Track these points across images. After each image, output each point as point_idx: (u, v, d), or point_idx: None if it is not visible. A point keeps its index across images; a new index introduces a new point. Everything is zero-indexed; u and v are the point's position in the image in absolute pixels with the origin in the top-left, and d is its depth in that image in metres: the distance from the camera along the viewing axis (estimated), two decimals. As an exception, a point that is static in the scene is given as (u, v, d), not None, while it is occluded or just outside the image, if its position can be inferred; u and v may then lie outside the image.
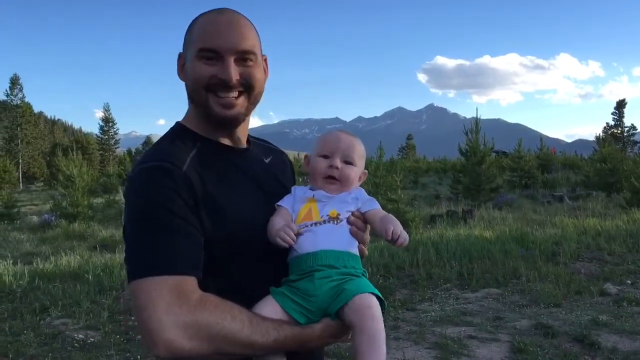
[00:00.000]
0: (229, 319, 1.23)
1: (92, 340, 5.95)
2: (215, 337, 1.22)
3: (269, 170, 1.58)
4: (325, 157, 1.47)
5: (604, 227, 11.09)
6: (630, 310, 6.44)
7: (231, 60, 1.37)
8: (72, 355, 5.46)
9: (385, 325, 4.75)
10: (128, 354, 5.53)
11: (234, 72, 1.37)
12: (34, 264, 9.60)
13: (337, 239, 1.39)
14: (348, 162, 1.47)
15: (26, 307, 7.09)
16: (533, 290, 7.39)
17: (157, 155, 1.36)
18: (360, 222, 1.44)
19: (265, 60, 1.50)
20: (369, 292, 1.30)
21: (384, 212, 1.46)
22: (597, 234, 10.45)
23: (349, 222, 1.43)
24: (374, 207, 1.46)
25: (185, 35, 1.44)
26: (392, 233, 1.35)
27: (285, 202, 1.46)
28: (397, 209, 12.57)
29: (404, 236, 1.37)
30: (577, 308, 6.60)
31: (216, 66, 1.37)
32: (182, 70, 1.43)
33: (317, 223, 1.41)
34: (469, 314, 6.52)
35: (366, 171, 1.56)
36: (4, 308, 7.12)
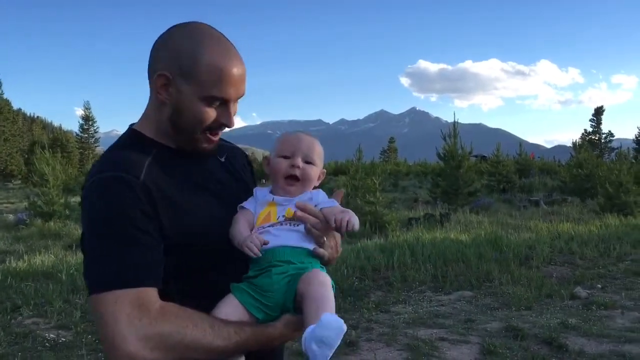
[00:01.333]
0: (190, 327, 1.26)
1: (64, 340, 5.90)
2: (177, 346, 1.24)
3: (225, 170, 1.60)
4: (286, 157, 1.50)
5: (577, 232, 11.28)
6: (598, 313, 6.56)
7: (233, 107, 1.41)
8: (43, 355, 5.41)
9: (358, 327, 4.80)
10: (100, 354, 5.49)
11: (233, 117, 1.42)
12: (7, 262, 9.48)
13: (294, 237, 1.42)
14: (308, 162, 1.50)
15: (-3, 306, 7.00)
16: (505, 293, 7.48)
17: (113, 165, 1.35)
18: (306, 216, 1.43)
19: None
20: (317, 268, 1.36)
21: (342, 208, 1.48)
22: (570, 239, 10.62)
23: (296, 216, 1.44)
24: (332, 205, 1.49)
25: (179, 59, 1.35)
26: (341, 221, 1.38)
27: (248, 205, 1.49)
28: (374, 212, 12.65)
29: (353, 220, 1.39)
30: (547, 311, 6.71)
31: (219, 110, 1.39)
32: (166, 90, 1.38)
33: (274, 225, 1.44)
34: (442, 316, 6.58)
35: (324, 170, 1.59)
36: (-26, 307, 7.02)
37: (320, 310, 1.22)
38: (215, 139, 1.45)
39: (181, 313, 1.27)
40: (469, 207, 16.99)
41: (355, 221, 1.39)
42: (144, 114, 1.49)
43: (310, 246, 1.44)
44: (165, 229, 1.34)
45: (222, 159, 1.61)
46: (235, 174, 1.62)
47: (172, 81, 1.35)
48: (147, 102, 1.47)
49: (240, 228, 1.43)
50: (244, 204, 1.49)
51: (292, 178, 1.49)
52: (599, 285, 7.91)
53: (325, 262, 1.46)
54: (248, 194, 1.55)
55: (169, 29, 1.40)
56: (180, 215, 1.37)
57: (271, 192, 1.52)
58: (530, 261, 8.96)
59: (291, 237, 1.42)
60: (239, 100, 1.44)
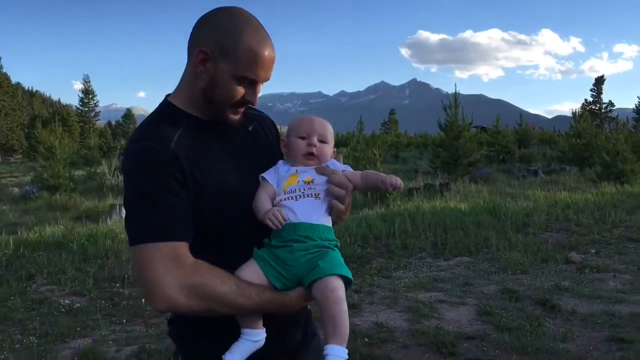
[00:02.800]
0: (219, 283, 1.43)
1: (78, 305, 6.16)
2: (207, 298, 1.42)
3: (253, 138, 1.72)
4: (303, 137, 1.65)
5: (574, 200, 11.48)
6: (591, 276, 6.82)
7: (260, 88, 1.57)
8: (60, 320, 5.66)
9: (361, 292, 5.11)
10: (114, 318, 5.76)
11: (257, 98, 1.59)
12: (19, 233, 9.72)
13: (315, 212, 1.57)
14: (323, 141, 1.66)
15: (12, 274, 7.24)
16: (502, 258, 7.72)
17: (145, 136, 1.52)
18: (341, 191, 1.58)
19: None
20: (337, 275, 1.48)
21: (358, 172, 1.66)
22: (567, 206, 10.83)
23: (329, 192, 1.58)
24: (348, 169, 1.67)
25: (221, 39, 1.49)
26: (390, 183, 1.56)
27: (269, 176, 1.63)
28: (375, 182, 12.83)
29: (398, 181, 1.58)
30: (542, 275, 6.96)
31: (247, 89, 1.54)
32: (203, 65, 1.51)
33: (296, 194, 1.59)
34: (441, 280, 6.84)
35: (335, 149, 1.75)
36: (-11, 276, 7.27)
37: (337, 333, 1.44)
38: (240, 112, 1.61)
39: (211, 269, 1.45)
40: (469, 177, 17.17)
41: (399, 180, 1.59)
42: (178, 86, 1.63)
43: (329, 222, 1.60)
44: (195, 195, 1.50)
45: (250, 128, 1.74)
46: (261, 141, 1.75)
47: (211, 57, 1.50)
48: (182, 74, 1.62)
49: (263, 201, 1.57)
50: (265, 174, 1.62)
51: (311, 155, 1.65)
52: (593, 251, 8.16)
53: (340, 219, 1.64)
54: (275, 159, 1.68)
55: (213, 11, 1.56)
56: (209, 182, 1.52)
57: (292, 165, 1.66)
58: (527, 228, 9.19)
59: (311, 212, 1.56)
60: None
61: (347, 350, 1.45)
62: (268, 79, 1.58)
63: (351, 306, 5.68)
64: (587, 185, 14.75)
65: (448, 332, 5.00)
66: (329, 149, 1.68)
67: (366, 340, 4.83)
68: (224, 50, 1.49)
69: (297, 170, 1.62)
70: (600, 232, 9.14)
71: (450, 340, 4.79)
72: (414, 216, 9.72)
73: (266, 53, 1.51)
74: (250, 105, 1.61)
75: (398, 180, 1.57)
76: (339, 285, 1.47)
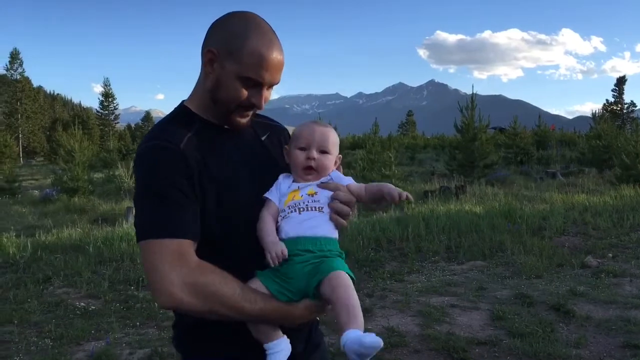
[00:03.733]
0: (222, 283, 1.43)
1: (93, 308, 6.24)
2: (210, 297, 1.42)
3: (265, 148, 1.72)
4: (302, 149, 1.61)
5: (592, 203, 11.34)
6: (607, 281, 6.72)
7: (267, 92, 1.57)
8: (75, 322, 5.73)
9: (373, 296, 5.11)
10: (127, 321, 5.81)
11: (264, 101, 1.58)
12: (37, 236, 9.86)
13: (317, 225, 1.54)
14: (324, 152, 1.62)
15: (29, 277, 7.37)
16: (517, 262, 7.65)
17: (158, 134, 1.55)
18: (344, 208, 1.57)
19: None
20: (339, 270, 1.46)
21: (362, 184, 1.64)
22: (585, 209, 10.70)
23: (330, 206, 1.56)
24: (350, 182, 1.64)
25: (227, 40, 1.52)
26: (398, 196, 1.53)
27: (272, 195, 1.60)
28: (390, 185, 12.81)
29: (403, 193, 1.55)
30: (557, 279, 6.88)
31: (251, 90, 1.54)
32: (211, 65, 1.54)
33: (299, 207, 1.57)
34: (454, 284, 6.80)
35: (340, 156, 1.70)
36: (8, 278, 7.40)
37: (352, 318, 1.37)
38: (247, 116, 1.61)
39: (215, 270, 1.46)
40: (485, 180, 17.04)
41: (406, 193, 1.55)
42: (193, 90, 1.67)
43: (332, 234, 1.58)
44: (199, 197, 1.51)
45: (264, 138, 1.74)
46: (275, 152, 1.73)
47: (218, 58, 1.53)
48: (197, 78, 1.64)
49: (267, 227, 1.54)
50: (268, 194, 1.60)
51: (309, 169, 1.62)
52: (610, 255, 8.03)
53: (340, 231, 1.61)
54: (286, 171, 1.67)
55: (226, 15, 1.59)
56: (213, 187, 1.53)
57: (294, 181, 1.64)
58: (543, 232, 9.10)
59: (313, 226, 1.54)
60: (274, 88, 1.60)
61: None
62: (275, 83, 1.58)
63: (363, 310, 5.67)
64: (606, 188, 14.55)
65: (459, 338, 4.96)
66: (331, 160, 1.64)
67: (377, 345, 4.82)
68: (230, 50, 1.51)
69: (298, 187, 1.60)
70: (618, 236, 9.01)
71: (461, 345, 4.75)
72: (428, 219, 9.68)
73: (272, 56, 1.52)
74: (257, 110, 1.61)
75: (404, 192, 1.55)
76: (344, 277, 1.45)
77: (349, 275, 1.47)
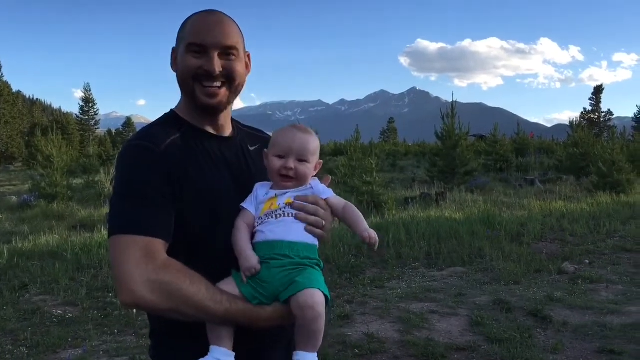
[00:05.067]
0: (188, 283, 1.41)
1: (71, 315, 6.15)
2: (173, 296, 1.39)
3: (252, 158, 1.72)
4: (280, 157, 1.57)
5: (569, 210, 11.50)
6: (584, 287, 6.81)
7: (215, 54, 1.56)
8: (51, 330, 5.65)
9: (353, 302, 5.12)
10: (105, 329, 5.75)
11: (217, 65, 1.56)
12: (13, 242, 9.71)
13: (294, 230, 1.53)
14: (302, 160, 1.58)
15: (5, 284, 7.24)
16: (495, 268, 7.73)
17: (142, 135, 1.57)
18: (309, 206, 1.57)
19: (248, 56, 1.69)
20: (315, 289, 1.43)
21: (343, 200, 1.63)
22: (562, 216, 10.85)
23: (293, 207, 1.55)
24: (329, 194, 1.62)
25: (178, 32, 1.62)
26: (369, 238, 1.54)
27: (248, 205, 1.58)
28: (371, 192, 12.86)
29: (375, 237, 1.55)
30: (535, 285, 6.96)
31: (202, 59, 1.56)
32: (175, 63, 1.62)
33: (276, 213, 1.55)
34: (433, 290, 6.83)
35: (321, 161, 1.65)
36: (-17, 285, 7.26)
37: (310, 341, 1.45)
38: (210, 90, 1.58)
39: (183, 269, 1.44)
40: (465, 187, 17.18)
41: (376, 237, 1.56)
42: (181, 98, 1.69)
43: (310, 240, 1.56)
44: (178, 200, 1.51)
45: (252, 148, 1.75)
46: (261, 164, 1.68)
47: (176, 51, 1.62)
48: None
49: (242, 237, 1.53)
50: (244, 203, 1.58)
51: (287, 177, 1.59)
52: (587, 261, 8.15)
53: (321, 241, 1.60)
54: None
55: None
56: (192, 190, 1.53)
57: (271, 187, 1.62)
58: (521, 238, 9.20)
59: (289, 231, 1.52)
60: (237, 56, 1.61)
61: (316, 357, 1.46)
62: (224, 45, 1.57)
63: (343, 317, 5.69)
64: (583, 195, 14.77)
65: (439, 344, 5.00)
66: (310, 167, 1.60)
67: (357, 351, 4.83)
68: (180, 37, 1.61)
69: (276, 194, 1.58)
70: (594, 243, 9.15)
71: (440, 351, 4.79)
72: (408, 226, 9.73)
73: (209, 17, 1.59)
74: (216, 80, 1.58)
75: (375, 237, 1.55)
76: (318, 300, 1.43)
77: (323, 293, 1.46)
